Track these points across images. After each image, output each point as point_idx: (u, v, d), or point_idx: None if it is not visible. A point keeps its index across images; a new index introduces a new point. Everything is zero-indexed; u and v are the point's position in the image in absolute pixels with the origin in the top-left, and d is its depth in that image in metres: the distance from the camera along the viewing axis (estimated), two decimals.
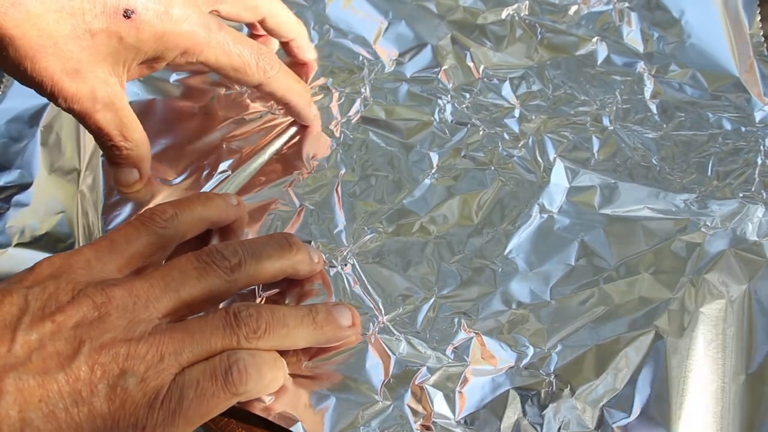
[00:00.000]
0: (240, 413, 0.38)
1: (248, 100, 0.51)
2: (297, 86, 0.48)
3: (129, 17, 0.40)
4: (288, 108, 0.48)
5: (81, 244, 0.45)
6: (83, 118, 0.42)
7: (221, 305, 0.40)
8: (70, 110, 0.42)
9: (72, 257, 0.35)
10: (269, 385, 0.36)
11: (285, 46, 0.52)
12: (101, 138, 0.44)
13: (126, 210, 0.46)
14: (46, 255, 0.44)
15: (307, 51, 0.52)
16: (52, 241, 0.46)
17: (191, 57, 0.43)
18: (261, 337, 0.35)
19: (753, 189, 0.46)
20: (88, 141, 0.49)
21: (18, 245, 0.46)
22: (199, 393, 0.33)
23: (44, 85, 0.40)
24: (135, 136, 0.44)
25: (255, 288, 0.42)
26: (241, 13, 0.48)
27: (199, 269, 0.36)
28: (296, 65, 0.53)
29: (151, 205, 0.46)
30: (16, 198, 0.47)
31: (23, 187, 0.48)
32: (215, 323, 0.35)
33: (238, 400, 0.34)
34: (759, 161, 0.48)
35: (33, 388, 0.30)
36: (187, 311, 0.36)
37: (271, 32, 0.51)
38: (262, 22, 0.49)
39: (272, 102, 0.50)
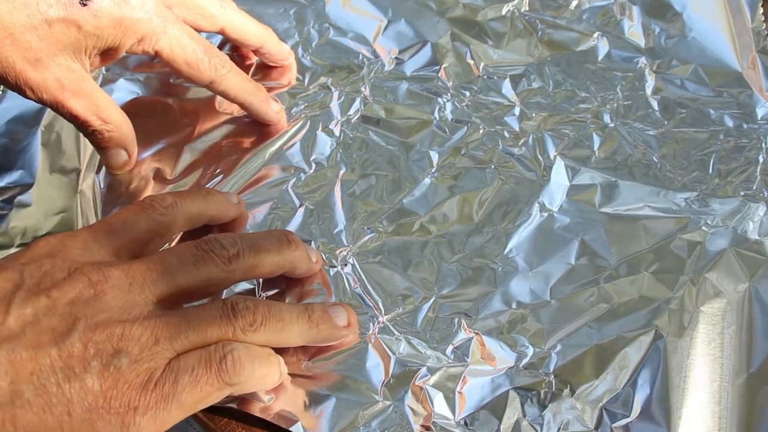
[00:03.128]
0: (240, 413, 0.38)
1: None
2: (249, 86, 0.48)
3: (85, 4, 0.41)
4: (245, 108, 0.48)
5: None
6: (56, 107, 0.43)
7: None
8: (40, 100, 0.42)
9: (69, 237, 0.35)
10: (262, 380, 0.36)
11: (256, 54, 0.52)
12: (80, 125, 0.44)
13: (122, 209, 0.46)
14: None
15: (279, 54, 0.52)
16: None
17: (147, 45, 0.44)
18: (256, 330, 0.36)
19: (754, 187, 0.46)
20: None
21: (20, 246, 0.46)
22: (193, 379, 0.33)
23: (9, 77, 0.41)
24: (113, 117, 0.44)
25: (255, 288, 0.42)
26: (198, 21, 0.48)
27: (197, 257, 0.36)
28: (274, 70, 0.53)
29: None
30: (19, 198, 0.48)
31: (25, 187, 0.48)
32: (212, 313, 0.35)
33: (230, 391, 0.35)
34: (761, 159, 0.48)
35: (25, 361, 0.31)
36: (183, 299, 0.36)
37: (235, 42, 0.51)
38: (223, 33, 0.50)
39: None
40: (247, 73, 0.52)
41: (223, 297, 0.40)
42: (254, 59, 0.53)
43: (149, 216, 0.38)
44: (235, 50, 0.54)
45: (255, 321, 0.36)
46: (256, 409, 0.38)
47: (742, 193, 0.46)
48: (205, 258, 0.36)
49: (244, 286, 0.42)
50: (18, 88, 0.42)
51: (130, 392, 0.32)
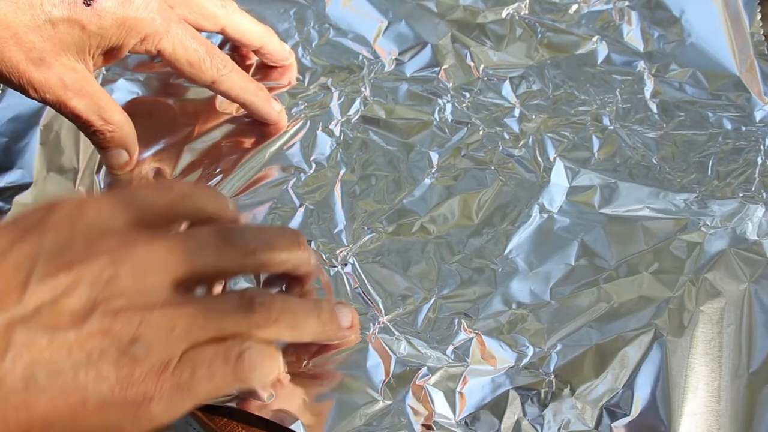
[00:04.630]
0: (240, 413, 0.38)
1: None
2: (250, 85, 0.48)
3: (89, 5, 0.41)
4: (246, 107, 0.49)
5: None
6: (59, 107, 0.43)
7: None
8: (43, 100, 0.42)
9: (89, 204, 0.34)
10: (268, 377, 0.36)
11: (257, 54, 0.52)
12: (82, 125, 0.44)
13: None
14: None
15: (280, 54, 0.52)
16: None
17: (150, 44, 0.44)
18: (271, 326, 0.35)
19: (753, 189, 0.46)
20: (88, 139, 0.49)
21: None
22: (210, 373, 0.33)
23: (12, 77, 0.41)
24: (115, 118, 0.44)
25: (257, 284, 0.42)
26: (199, 20, 0.48)
27: (219, 246, 0.36)
28: (274, 70, 0.53)
29: None
30: (17, 198, 0.47)
31: (24, 186, 0.48)
32: (230, 306, 0.34)
33: (240, 386, 0.35)
34: (759, 161, 0.48)
35: (41, 344, 0.29)
36: (195, 284, 0.36)
37: (236, 42, 0.51)
38: (223, 33, 0.50)
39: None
40: (247, 73, 0.52)
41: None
42: (254, 59, 0.53)
43: (167, 198, 0.37)
44: (235, 50, 0.54)
45: (270, 317, 0.35)
46: (256, 409, 0.38)
47: (740, 195, 0.46)
48: (226, 248, 0.36)
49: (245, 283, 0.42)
50: (21, 87, 0.41)
51: (146, 381, 0.31)
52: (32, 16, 0.40)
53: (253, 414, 0.38)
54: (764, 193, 0.46)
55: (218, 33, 0.50)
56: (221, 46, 0.54)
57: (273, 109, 0.49)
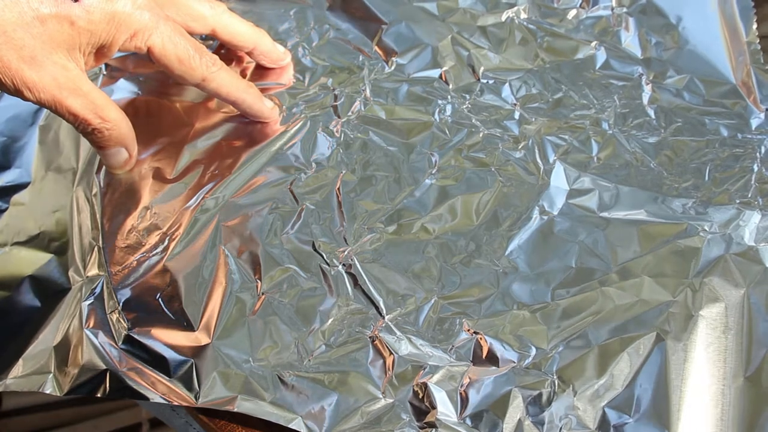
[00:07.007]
0: (240, 414, 0.38)
1: None
2: (240, 83, 0.48)
3: (77, 0, 0.41)
4: (237, 106, 0.49)
5: (75, 244, 0.45)
6: (54, 107, 0.42)
7: None
8: (38, 101, 0.42)
9: None
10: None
11: (250, 56, 0.52)
12: (79, 124, 0.44)
13: (122, 209, 0.46)
14: (42, 254, 0.45)
15: (273, 55, 0.52)
16: (47, 240, 0.46)
17: (140, 40, 0.44)
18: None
19: (750, 195, 0.47)
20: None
21: (15, 244, 0.46)
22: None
23: (6, 78, 0.40)
24: (112, 115, 0.44)
25: (255, 285, 0.42)
26: (188, 22, 0.48)
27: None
28: (272, 71, 0.53)
29: (148, 203, 0.46)
30: (15, 197, 0.47)
31: (22, 185, 0.48)
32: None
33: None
34: (755, 168, 0.48)
35: None
36: None
37: (228, 44, 0.51)
38: (214, 35, 0.50)
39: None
40: (245, 76, 0.52)
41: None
42: (250, 62, 0.53)
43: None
44: (229, 54, 0.53)
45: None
46: (256, 408, 0.38)
47: (738, 201, 0.46)
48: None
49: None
50: (15, 89, 0.41)
51: None
52: (19, 13, 0.39)
53: (253, 414, 0.38)
54: (761, 200, 0.46)
55: (208, 35, 0.50)
56: (215, 52, 0.54)
57: (265, 106, 0.49)
